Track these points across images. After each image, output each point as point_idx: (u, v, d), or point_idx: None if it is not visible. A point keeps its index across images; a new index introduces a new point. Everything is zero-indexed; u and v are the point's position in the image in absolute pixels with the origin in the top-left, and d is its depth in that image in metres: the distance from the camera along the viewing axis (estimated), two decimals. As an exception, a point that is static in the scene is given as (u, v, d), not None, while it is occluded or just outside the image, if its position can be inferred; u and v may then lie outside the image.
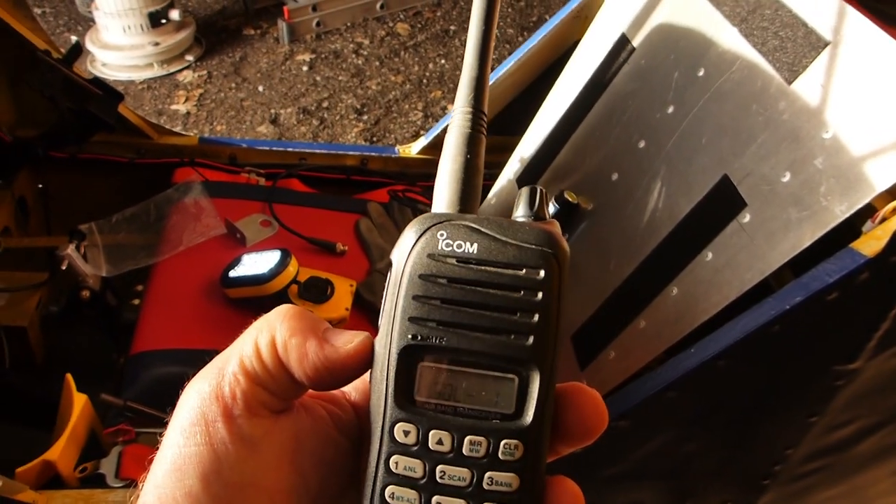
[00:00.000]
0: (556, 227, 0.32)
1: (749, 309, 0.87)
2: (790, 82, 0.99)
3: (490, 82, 1.33)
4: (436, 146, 1.69)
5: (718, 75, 1.12)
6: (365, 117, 3.24)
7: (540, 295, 0.31)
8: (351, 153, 1.68)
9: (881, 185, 0.83)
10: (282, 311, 0.34)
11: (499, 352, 0.31)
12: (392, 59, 3.63)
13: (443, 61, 3.62)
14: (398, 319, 0.32)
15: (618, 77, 1.33)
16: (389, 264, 0.35)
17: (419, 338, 0.32)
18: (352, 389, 0.37)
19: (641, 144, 1.23)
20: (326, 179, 1.66)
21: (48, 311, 1.35)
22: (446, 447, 0.31)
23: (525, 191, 0.34)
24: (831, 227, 0.87)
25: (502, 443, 0.31)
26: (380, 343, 0.33)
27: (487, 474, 0.31)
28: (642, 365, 1.04)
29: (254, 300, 1.24)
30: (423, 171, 1.68)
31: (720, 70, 1.12)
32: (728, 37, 1.12)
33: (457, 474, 0.31)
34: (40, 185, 1.66)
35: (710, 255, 1.01)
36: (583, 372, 1.17)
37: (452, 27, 3.87)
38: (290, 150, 1.67)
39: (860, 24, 0.93)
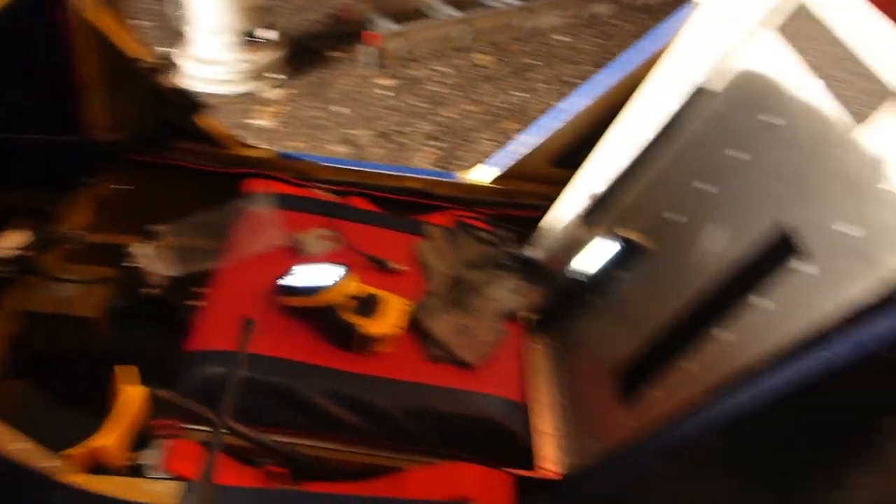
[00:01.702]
0: None
1: (798, 357, 0.85)
2: (860, 135, 0.97)
3: (560, 116, 1.33)
4: (502, 175, 1.71)
5: (790, 123, 1.10)
6: (439, 143, 3.30)
7: None
8: (416, 176, 1.71)
9: (945, 243, 0.80)
10: None
11: None
12: (471, 89, 3.69)
13: (521, 94, 3.65)
14: None
15: (690, 121, 1.32)
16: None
17: None
18: None
19: (706, 187, 1.22)
20: (391, 200, 1.70)
21: (116, 305, 1.42)
22: None
23: None
24: (891, 282, 0.84)
25: None
26: None
27: None
28: (686, 405, 1.01)
29: (307, 310, 1.28)
30: (486, 199, 1.70)
31: (793, 118, 1.10)
32: (806, 87, 1.10)
33: None
34: (122, 186, 1.75)
35: (760, 302, 0.99)
36: (623, 406, 1.16)
37: (534, 61, 3.91)
38: (357, 169, 1.72)
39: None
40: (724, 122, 1.25)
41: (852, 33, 1.06)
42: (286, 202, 1.55)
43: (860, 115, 0.98)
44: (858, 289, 0.86)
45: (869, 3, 1.05)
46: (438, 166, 3.16)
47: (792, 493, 0.96)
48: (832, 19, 1.11)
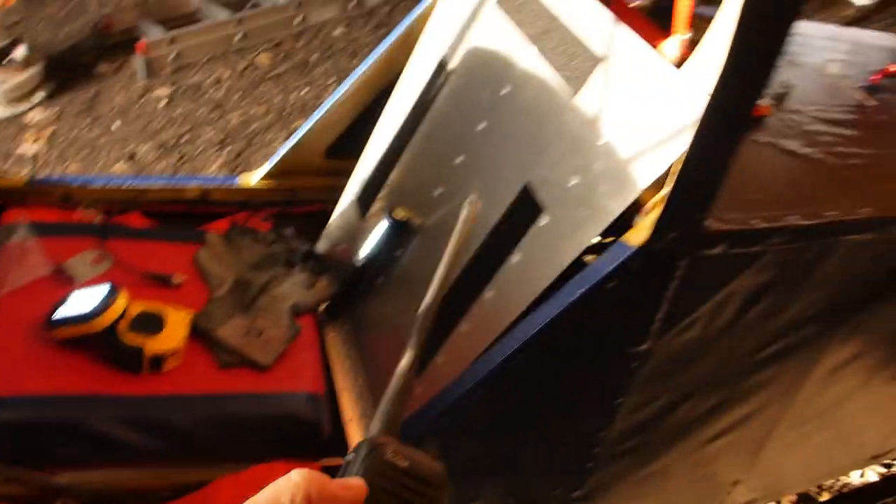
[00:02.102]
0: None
1: (540, 305, 0.94)
2: (574, 95, 1.08)
3: (325, 108, 1.35)
4: (279, 173, 1.71)
5: (519, 92, 1.20)
6: (227, 150, 3.21)
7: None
8: (191, 185, 1.67)
9: (644, 183, 0.91)
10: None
11: None
12: (253, 90, 3.62)
13: (305, 90, 3.64)
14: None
15: (438, 99, 1.40)
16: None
17: None
18: None
19: (460, 160, 1.30)
20: (169, 213, 1.64)
21: None
22: None
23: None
24: (610, 223, 0.95)
25: None
26: None
27: None
28: (467, 366, 1.08)
29: (82, 339, 1.21)
30: (265, 200, 1.69)
31: (520, 87, 1.20)
32: (527, 56, 1.20)
33: None
34: None
35: (516, 258, 1.08)
36: (417, 377, 1.21)
37: (314, 56, 3.90)
38: (127, 185, 1.64)
39: (627, 40, 1.02)
40: (462, 96, 1.33)
41: (558, 4, 1.17)
42: (47, 229, 1.45)
43: (577, 80, 1.09)
44: (586, 232, 0.97)
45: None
46: (228, 171, 3.09)
47: (559, 426, 1.06)
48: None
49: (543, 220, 1.05)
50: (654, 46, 1.04)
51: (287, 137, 3.33)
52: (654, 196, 0.93)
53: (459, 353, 1.13)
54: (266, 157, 3.16)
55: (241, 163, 3.13)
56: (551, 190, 1.05)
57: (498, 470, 1.14)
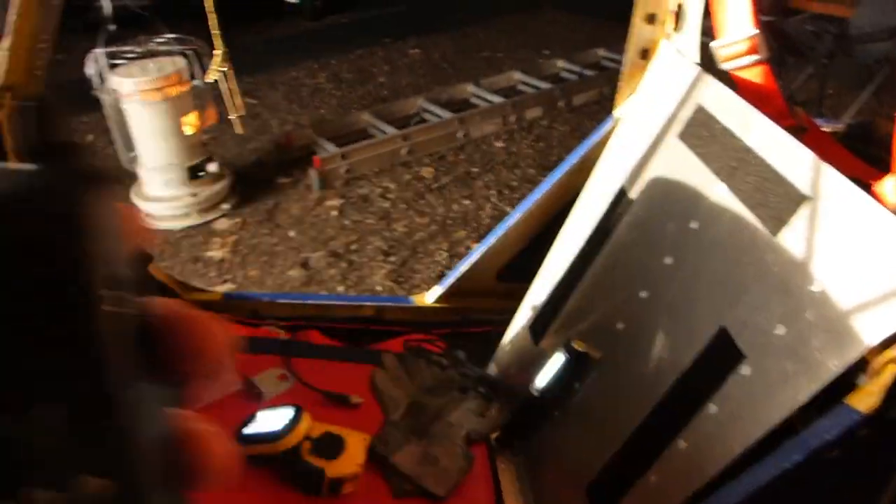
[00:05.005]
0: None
1: (751, 467, 0.86)
2: (775, 235, 1.02)
3: (500, 231, 1.37)
4: (451, 294, 1.73)
5: (710, 227, 1.16)
6: (392, 258, 3.33)
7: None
8: (367, 304, 1.73)
9: (871, 340, 0.83)
10: None
11: None
12: (418, 201, 3.77)
13: (466, 202, 3.75)
14: None
15: (618, 228, 1.38)
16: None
17: None
18: None
19: (643, 294, 1.26)
20: (346, 329, 1.70)
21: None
22: None
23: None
24: (828, 381, 0.87)
25: None
26: None
27: None
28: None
29: (267, 457, 1.25)
30: (438, 320, 1.72)
31: (711, 222, 1.16)
32: (717, 191, 1.17)
33: None
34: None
35: (713, 408, 1.01)
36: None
37: (475, 169, 4.03)
38: (308, 302, 1.73)
39: (835, 181, 0.97)
40: (646, 227, 1.30)
41: (750, 136, 1.13)
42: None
43: (776, 220, 1.04)
44: (798, 389, 0.89)
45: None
46: (393, 280, 3.19)
47: None
48: (727, 122, 1.19)
49: (745, 370, 0.98)
50: (854, 177, 0.97)
51: (449, 247, 3.45)
52: (880, 354, 0.84)
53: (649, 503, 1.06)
54: (430, 266, 3.27)
55: (405, 271, 3.24)
56: (754, 337, 0.99)
57: None
